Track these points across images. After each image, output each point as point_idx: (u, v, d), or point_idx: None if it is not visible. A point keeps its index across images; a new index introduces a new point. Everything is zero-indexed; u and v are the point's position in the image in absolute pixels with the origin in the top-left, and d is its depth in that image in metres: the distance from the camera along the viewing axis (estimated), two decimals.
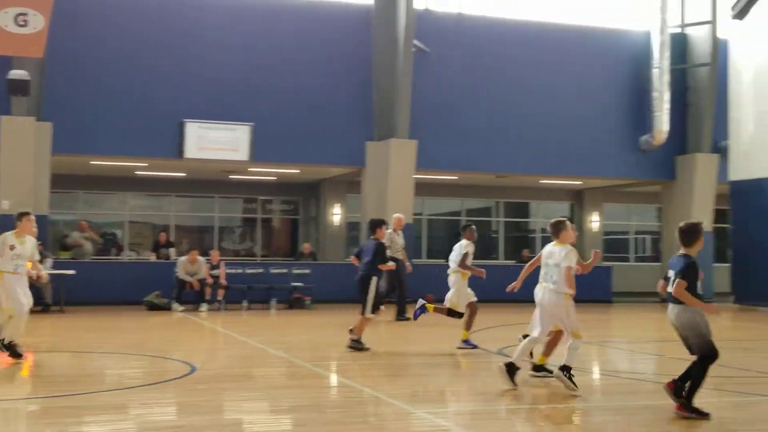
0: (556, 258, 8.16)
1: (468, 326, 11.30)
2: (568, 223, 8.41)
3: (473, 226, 11.48)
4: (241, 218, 26.35)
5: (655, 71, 22.19)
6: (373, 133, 21.03)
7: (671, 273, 7.12)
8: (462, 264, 11.18)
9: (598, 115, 22.63)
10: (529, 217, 28.40)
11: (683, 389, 6.99)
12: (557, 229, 8.32)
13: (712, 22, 22.46)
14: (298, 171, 22.69)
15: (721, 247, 24.13)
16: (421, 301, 11.02)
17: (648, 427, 6.78)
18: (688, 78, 23.32)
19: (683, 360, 7.25)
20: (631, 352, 12.55)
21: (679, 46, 23.18)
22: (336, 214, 25.25)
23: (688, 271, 6.95)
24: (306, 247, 21.94)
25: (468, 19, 21.94)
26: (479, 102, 21.69)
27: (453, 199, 27.02)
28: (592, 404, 7.88)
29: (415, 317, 11.28)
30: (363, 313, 10.78)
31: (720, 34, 22.47)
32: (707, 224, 22.36)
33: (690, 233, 7.15)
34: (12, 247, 9.60)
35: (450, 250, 11.57)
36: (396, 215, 16.56)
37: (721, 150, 22.66)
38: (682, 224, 7.28)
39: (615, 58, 22.99)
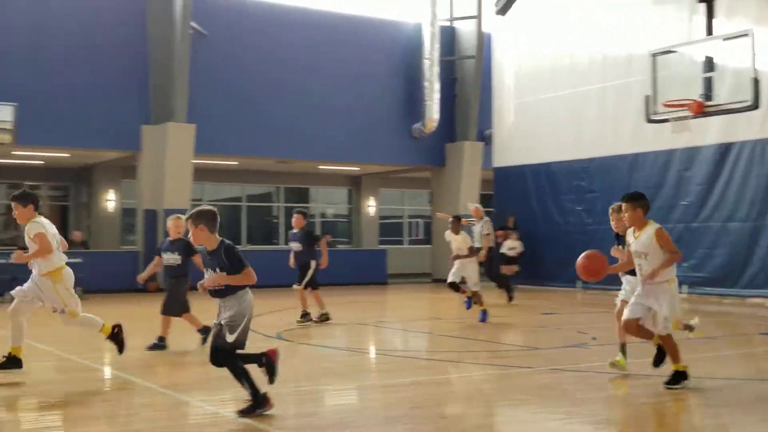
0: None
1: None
2: None
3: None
4: (4, 205, 24.65)
5: (426, 62, 23.21)
6: (150, 117, 20.43)
7: None
8: None
9: (374, 104, 23.37)
10: (309, 203, 28.81)
11: None
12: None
13: (478, 17, 23.82)
14: (68, 155, 21.59)
15: None
16: None
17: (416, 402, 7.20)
18: (456, 69, 24.63)
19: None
20: (404, 331, 13.14)
21: (448, 38, 24.41)
22: (110, 200, 24.30)
23: None
24: (76, 234, 20.97)
25: (250, 4, 21.85)
26: (260, 87, 21.66)
27: (234, 184, 26.86)
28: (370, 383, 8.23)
29: None
30: None
31: (485, 29, 23.86)
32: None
33: None
34: None
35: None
36: (473, 205, 15.95)
37: (486, 138, 24.13)
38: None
39: (390, 48, 23.80)
